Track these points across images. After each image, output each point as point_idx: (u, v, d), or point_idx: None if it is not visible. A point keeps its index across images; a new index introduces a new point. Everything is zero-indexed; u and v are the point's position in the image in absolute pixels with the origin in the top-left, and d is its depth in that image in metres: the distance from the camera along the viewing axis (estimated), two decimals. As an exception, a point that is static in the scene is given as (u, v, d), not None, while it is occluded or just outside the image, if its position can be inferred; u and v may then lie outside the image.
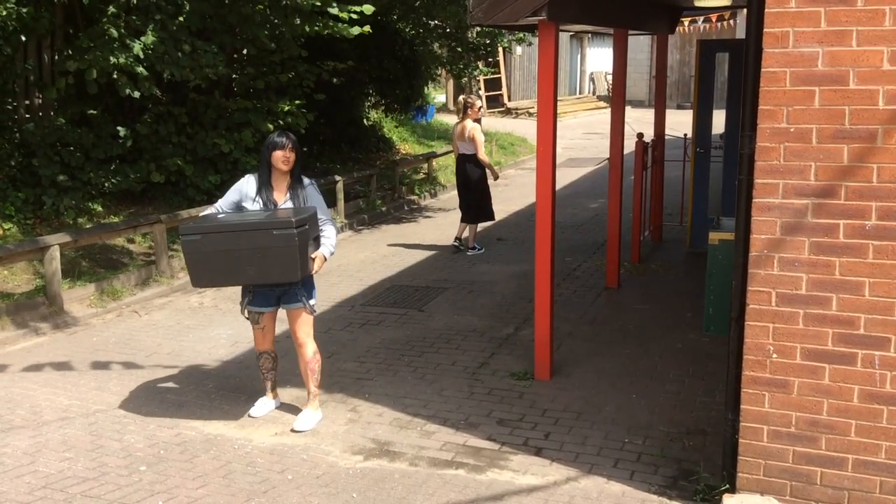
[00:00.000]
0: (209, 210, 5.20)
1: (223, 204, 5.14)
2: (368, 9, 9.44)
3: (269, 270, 4.77)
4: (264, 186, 5.08)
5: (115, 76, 8.49)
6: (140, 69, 8.46)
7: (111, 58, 8.23)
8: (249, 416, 5.28)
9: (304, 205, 5.09)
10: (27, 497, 4.26)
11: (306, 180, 5.20)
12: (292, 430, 5.05)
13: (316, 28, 9.45)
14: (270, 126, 10.49)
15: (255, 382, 5.78)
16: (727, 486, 4.00)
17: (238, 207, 5.10)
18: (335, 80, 11.85)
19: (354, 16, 9.40)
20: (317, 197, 5.18)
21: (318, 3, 9.15)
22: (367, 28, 9.46)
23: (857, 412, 3.64)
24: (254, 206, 5.07)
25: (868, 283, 3.54)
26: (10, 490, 4.33)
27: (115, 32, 8.32)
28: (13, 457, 4.72)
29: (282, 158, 4.98)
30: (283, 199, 5.09)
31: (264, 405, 5.37)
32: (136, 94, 8.80)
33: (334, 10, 9.31)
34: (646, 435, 4.86)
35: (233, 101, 10.55)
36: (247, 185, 5.11)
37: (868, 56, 3.42)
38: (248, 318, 5.25)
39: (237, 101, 10.57)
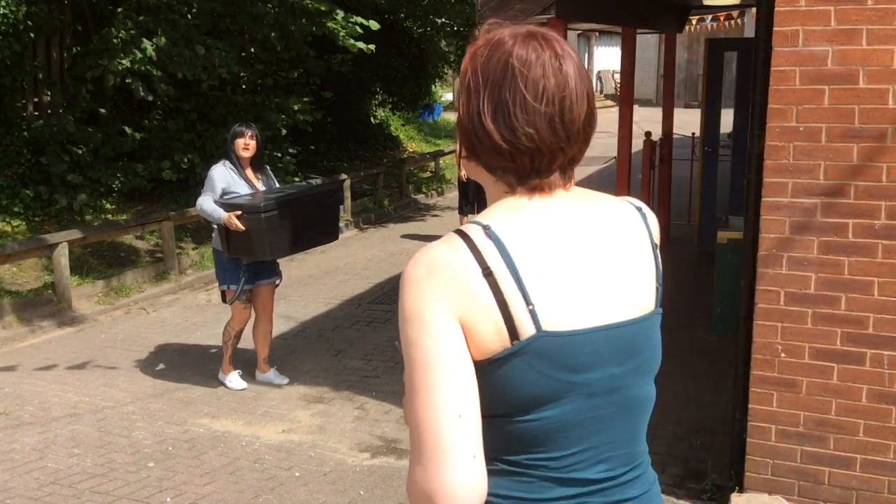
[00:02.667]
0: (208, 200, 5.30)
1: (214, 194, 5.33)
2: (374, 25, 9.47)
3: (318, 236, 5.56)
4: (241, 173, 5.46)
5: (128, 80, 8.52)
6: (154, 71, 8.48)
7: (124, 61, 8.25)
8: (229, 386, 5.68)
9: (274, 186, 5.72)
10: (36, 493, 4.28)
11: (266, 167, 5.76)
12: (280, 385, 5.68)
13: (324, 30, 9.47)
14: (283, 118, 10.51)
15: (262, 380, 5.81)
16: (735, 485, 4.00)
17: (224, 195, 5.37)
18: (343, 70, 11.83)
19: (359, 29, 9.41)
20: (274, 179, 5.84)
21: (323, 9, 9.17)
22: (371, 46, 9.46)
23: (866, 412, 3.63)
24: (242, 190, 5.42)
25: (877, 283, 3.53)
26: (19, 486, 4.35)
27: (125, 35, 8.34)
28: (22, 453, 4.75)
29: (242, 146, 5.42)
30: (258, 183, 5.53)
31: (239, 378, 5.75)
32: (150, 98, 8.83)
33: (339, 17, 9.32)
34: (653, 434, 4.82)
35: (242, 97, 10.57)
36: (228, 174, 5.41)
37: (878, 55, 3.41)
38: (236, 300, 5.49)
39: (246, 97, 10.60)
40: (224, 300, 5.63)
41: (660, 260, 1.44)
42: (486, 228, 1.30)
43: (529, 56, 1.30)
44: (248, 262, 5.43)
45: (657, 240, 1.44)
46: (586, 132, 1.35)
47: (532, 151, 1.31)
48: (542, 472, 1.32)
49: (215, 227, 5.44)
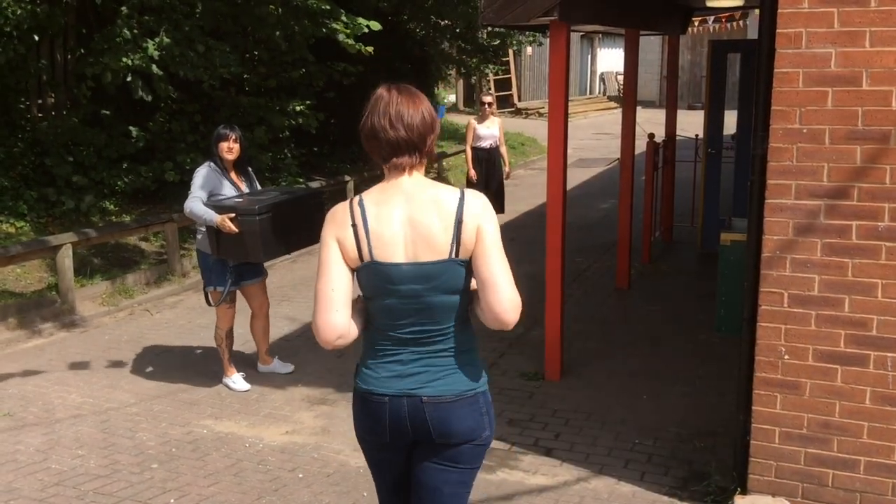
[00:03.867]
0: (198, 203, 5.27)
1: (202, 197, 5.32)
2: (375, 25, 9.47)
3: (307, 236, 5.36)
4: (226, 175, 5.50)
5: (128, 79, 8.52)
6: (155, 70, 8.49)
7: (124, 59, 8.26)
8: (232, 388, 5.70)
9: (258, 188, 5.77)
10: (40, 494, 4.29)
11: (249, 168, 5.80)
12: (285, 373, 5.86)
13: (324, 31, 9.48)
14: (285, 122, 10.51)
15: (266, 381, 5.81)
16: (738, 487, 3.99)
17: (209, 197, 5.38)
18: (345, 82, 11.86)
19: (365, 29, 9.42)
20: (256, 181, 5.84)
21: (327, 8, 9.17)
22: (370, 48, 9.46)
23: (870, 414, 3.63)
24: (228, 192, 5.45)
25: (881, 285, 3.53)
26: (23, 487, 4.36)
27: (128, 34, 8.35)
28: (26, 454, 4.76)
29: (226, 148, 5.45)
30: (242, 185, 5.57)
31: (242, 380, 5.78)
32: (149, 98, 8.84)
33: (343, 19, 9.33)
34: (656, 436, 4.85)
35: (246, 99, 10.58)
36: (213, 176, 5.43)
37: (881, 57, 3.41)
38: (221, 302, 5.53)
39: (250, 98, 10.61)
40: (208, 302, 5.64)
41: (462, 230, 2.37)
42: (360, 198, 2.45)
43: (384, 94, 2.44)
44: (234, 263, 5.45)
45: (468, 217, 2.37)
46: (423, 135, 2.43)
47: (390, 143, 2.41)
48: (385, 333, 2.47)
49: (202, 229, 5.47)
